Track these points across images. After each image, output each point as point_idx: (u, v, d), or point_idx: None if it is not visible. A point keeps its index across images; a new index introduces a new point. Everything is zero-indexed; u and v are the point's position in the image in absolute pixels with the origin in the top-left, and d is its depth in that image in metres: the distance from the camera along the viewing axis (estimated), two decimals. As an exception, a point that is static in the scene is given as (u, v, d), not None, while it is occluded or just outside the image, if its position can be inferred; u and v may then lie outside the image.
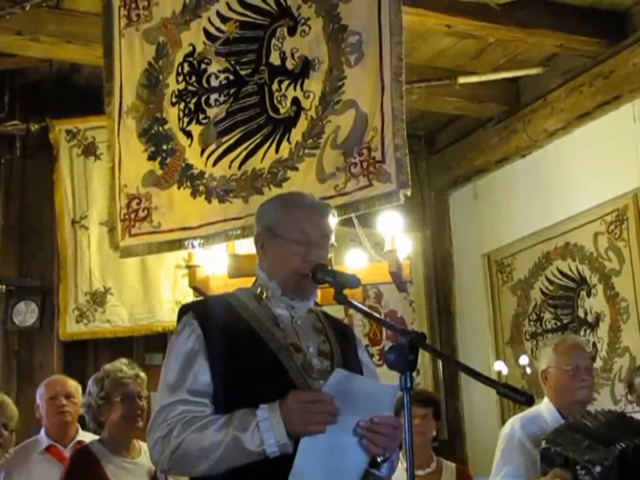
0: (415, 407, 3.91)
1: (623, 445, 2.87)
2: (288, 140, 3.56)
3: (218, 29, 3.79)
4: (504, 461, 3.27)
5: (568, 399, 3.27)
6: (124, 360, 3.46)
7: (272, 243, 2.27)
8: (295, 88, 3.58)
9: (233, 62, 3.74)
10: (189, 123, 3.80)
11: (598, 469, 2.83)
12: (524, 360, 5.54)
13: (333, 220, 2.35)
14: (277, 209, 2.31)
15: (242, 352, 2.12)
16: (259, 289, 2.28)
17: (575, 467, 2.87)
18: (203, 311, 2.22)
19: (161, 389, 2.15)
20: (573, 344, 3.44)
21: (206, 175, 3.72)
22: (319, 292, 3.68)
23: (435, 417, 4.05)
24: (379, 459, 2.07)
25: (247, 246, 3.64)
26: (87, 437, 3.94)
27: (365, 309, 2.32)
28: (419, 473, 3.92)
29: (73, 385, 4.10)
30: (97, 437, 3.48)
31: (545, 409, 3.32)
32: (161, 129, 3.87)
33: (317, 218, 2.28)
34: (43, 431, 4.03)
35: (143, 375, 3.41)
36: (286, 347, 2.17)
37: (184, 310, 2.25)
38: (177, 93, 3.85)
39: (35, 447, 3.97)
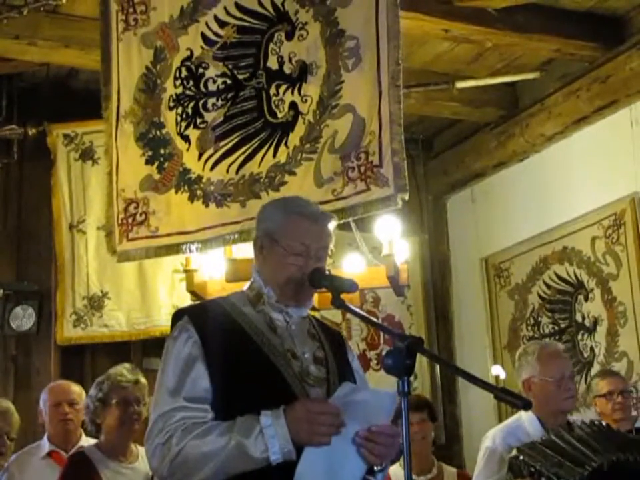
0: (409, 413, 3.92)
1: (595, 464, 2.77)
2: (285, 144, 3.56)
3: (216, 34, 3.79)
4: (486, 474, 3.24)
5: (552, 408, 3.22)
6: (127, 365, 3.45)
7: (271, 250, 2.24)
8: (292, 92, 3.58)
9: (230, 66, 3.75)
10: (186, 127, 3.80)
11: None
12: (522, 364, 5.53)
13: (332, 227, 2.34)
14: (279, 214, 2.27)
15: (240, 359, 2.11)
16: (255, 293, 2.27)
17: (540, 479, 2.82)
18: (199, 316, 2.19)
19: (158, 396, 2.12)
20: (556, 352, 3.38)
21: (203, 179, 3.72)
22: (316, 297, 3.71)
23: (430, 419, 4.05)
24: (375, 468, 2.07)
25: (245, 250, 3.64)
26: (89, 442, 3.93)
27: (363, 313, 2.31)
28: (421, 478, 3.93)
29: (77, 391, 4.08)
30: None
31: (525, 419, 3.26)
32: (158, 133, 3.86)
33: (318, 229, 2.25)
34: (45, 437, 4.02)
35: (143, 380, 3.38)
36: (283, 354, 2.15)
37: (179, 314, 2.23)
38: (174, 97, 3.85)
39: (37, 452, 3.96)
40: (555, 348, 3.45)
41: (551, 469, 2.79)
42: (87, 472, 3.19)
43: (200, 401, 2.07)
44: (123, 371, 3.37)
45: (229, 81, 3.74)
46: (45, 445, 3.97)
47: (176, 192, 3.78)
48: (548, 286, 5.46)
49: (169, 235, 3.78)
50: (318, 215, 2.28)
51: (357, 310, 2.27)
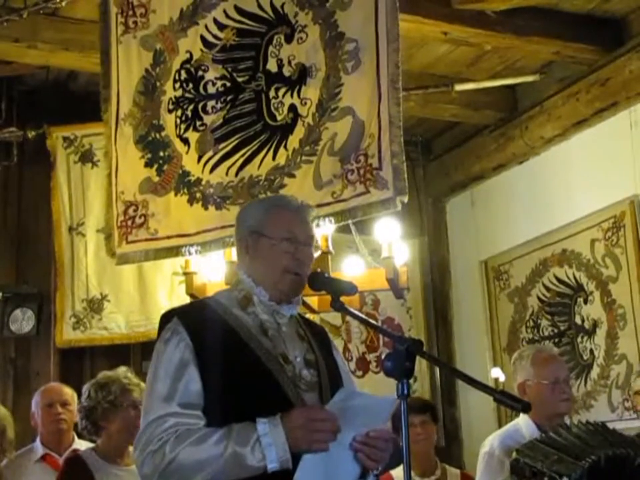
0: (412, 415, 3.93)
1: (594, 457, 2.80)
2: (285, 147, 3.57)
3: (215, 36, 3.80)
4: (487, 478, 3.23)
5: (548, 412, 3.22)
6: (124, 368, 3.44)
7: (258, 245, 2.22)
8: (292, 95, 3.58)
9: (229, 69, 3.75)
10: (186, 130, 3.81)
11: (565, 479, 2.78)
12: (521, 367, 5.52)
13: (316, 224, 2.34)
14: (261, 210, 2.27)
15: (234, 362, 2.08)
16: (243, 294, 2.22)
17: (543, 479, 2.83)
18: (190, 317, 2.15)
19: (149, 401, 2.08)
20: (551, 355, 3.40)
21: (203, 182, 3.72)
22: (315, 299, 3.72)
23: (433, 420, 4.06)
24: (372, 472, 2.06)
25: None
26: (82, 445, 3.92)
27: (362, 316, 2.31)
28: None
29: (69, 392, 4.09)
30: (92, 445, 3.46)
31: (522, 423, 3.27)
32: (157, 135, 3.87)
33: (302, 218, 2.26)
34: (38, 440, 4.01)
35: (142, 384, 3.38)
36: (275, 358, 2.13)
37: (168, 316, 2.17)
38: (174, 99, 3.86)
39: (30, 455, 3.95)
40: (549, 351, 3.49)
41: (552, 467, 2.81)
42: (84, 476, 3.18)
43: (193, 407, 2.03)
44: (128, 374, 3.36)
45: (228, 84, 3.75)
46: (38, 447, 3.97)
47: (175, 194, 3.79)
48: (547, 288, 5.46)
49: (168, 237, 3.78)
50: (298, 206, 2.29)
51: (357, 312, 2.27)
